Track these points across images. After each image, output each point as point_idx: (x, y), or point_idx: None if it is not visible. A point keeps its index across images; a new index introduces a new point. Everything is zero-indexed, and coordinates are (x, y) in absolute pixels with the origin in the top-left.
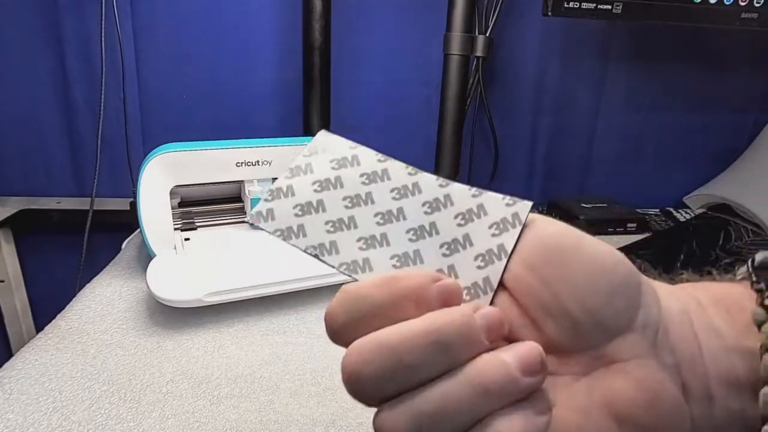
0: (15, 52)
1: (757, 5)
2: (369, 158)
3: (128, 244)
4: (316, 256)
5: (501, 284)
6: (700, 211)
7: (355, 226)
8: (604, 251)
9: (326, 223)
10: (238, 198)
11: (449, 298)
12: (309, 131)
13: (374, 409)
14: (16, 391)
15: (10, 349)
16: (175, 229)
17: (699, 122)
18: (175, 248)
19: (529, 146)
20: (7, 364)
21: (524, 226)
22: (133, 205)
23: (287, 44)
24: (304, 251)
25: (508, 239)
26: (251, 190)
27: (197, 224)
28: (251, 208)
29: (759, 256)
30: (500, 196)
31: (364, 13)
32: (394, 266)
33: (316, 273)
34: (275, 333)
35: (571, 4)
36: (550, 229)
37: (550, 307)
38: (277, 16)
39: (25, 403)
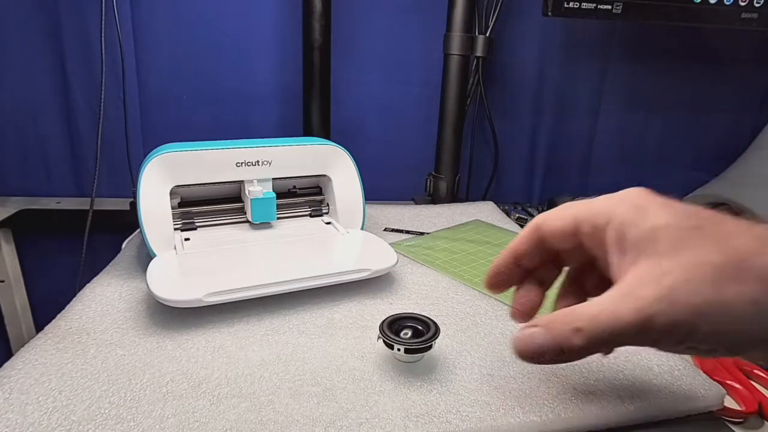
0: (15, 52)
1: (757, 5)
2: None
3: (128, 244)
4: None
5: None
6: None
7: None
8: None
9: None
10: (238, 198)
11: None
12: (309, 131)
13: (373, 410)
14: (16, 391)
15: (10, 349)
16: (175, 229)
17: (699, 122)
18: (175, 248)
19: (529, 146)
20: (7, 364)
21: None
22: (133, 205)
23: (287, 44)
24: None
25: None
26: (251, 190)
27: (197, 224)
28: (251, 208)
29: None
30: None
31: (364, 13)
32: None
33: (317, 273)
34: (275, 333)
35: (571, 4)
36: None
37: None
38: (277, 16)
39: (25, 403)
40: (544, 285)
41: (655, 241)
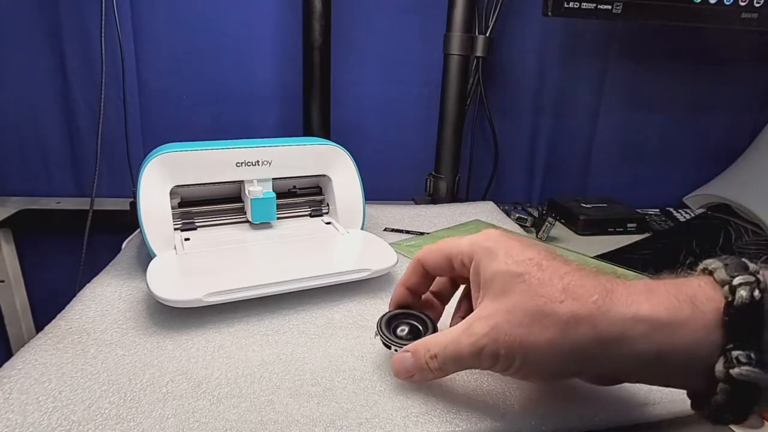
0: (15, 52)
1: (757, 5)
2: None
3: (128, 244)
4: None
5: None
6: (700, 211)
7: None
8: None
9: None
10: (238, 198)
11: None
12: (309, 131)
13: (373, 410)
14: (16, 391)
15: (10, 349)
16: (175, 229)
17: (699, 122)
18: (175, 248)
19: (529, 146)
20: (7, 364)
21: None
22: (133, 205)
23: (287, 44)
24: None
25: None
26: (251, 190)
27: (197, 224)
28: (251, 208)
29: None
30: None
31: (364, 13)
32: None
33: (317, 273)
34: (275, 333)
35: (571, 4)
36: None
37: None
38: (277, 16)
39: (25, 403)
40: (445, 300)
41: (493, 284)
